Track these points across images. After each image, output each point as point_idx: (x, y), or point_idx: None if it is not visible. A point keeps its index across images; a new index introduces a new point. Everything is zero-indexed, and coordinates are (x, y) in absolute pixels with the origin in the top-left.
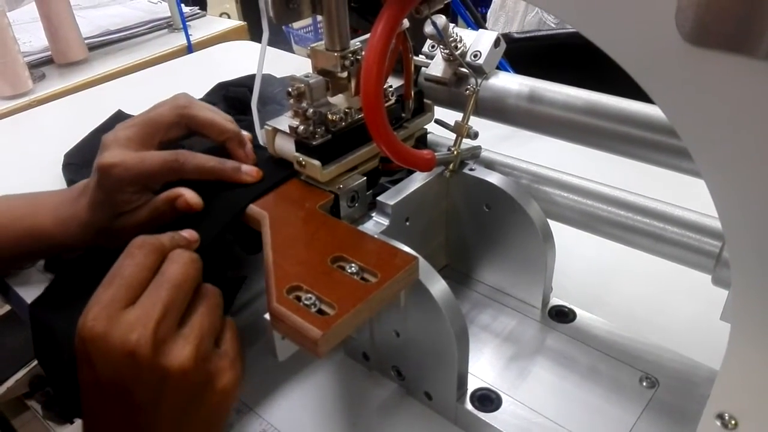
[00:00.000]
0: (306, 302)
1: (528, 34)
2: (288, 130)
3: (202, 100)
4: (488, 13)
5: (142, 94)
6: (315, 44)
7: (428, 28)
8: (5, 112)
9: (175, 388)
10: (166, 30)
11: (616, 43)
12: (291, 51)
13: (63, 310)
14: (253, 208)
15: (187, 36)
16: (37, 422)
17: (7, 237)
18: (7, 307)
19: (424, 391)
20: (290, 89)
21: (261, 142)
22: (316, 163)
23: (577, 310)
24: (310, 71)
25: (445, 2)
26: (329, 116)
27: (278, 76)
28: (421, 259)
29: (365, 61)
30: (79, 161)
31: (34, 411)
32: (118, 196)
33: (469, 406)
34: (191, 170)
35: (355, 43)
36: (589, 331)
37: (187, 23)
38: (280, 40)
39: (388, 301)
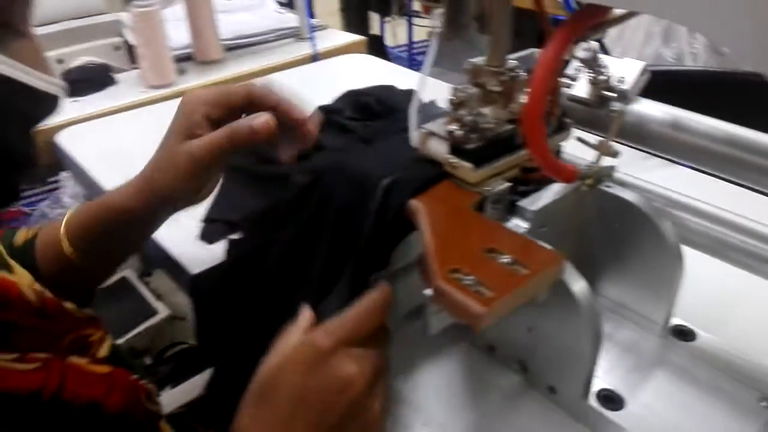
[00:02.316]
0: (466, 282)
1: (653, 68)
2: (443, 134)
3: (331, 105)
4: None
5: None
6: (474, 59)
7: (580, 53)
8: (151, 99)
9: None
10: (292, 39)
11: None
12: None
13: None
14: (410, 201)
15: (314, 46)
16: None
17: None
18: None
19: (549, 385)
20: (452, 97)
21: (414, 144)
22: (468, 165)
23: (698, 331)
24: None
25: (609, 28)
26: (482, 125)
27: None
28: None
29: (534, 76)
30: None
31: None
32: (193, 116)
33: (594, 402)
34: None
35: (512, 61)
36: (709, 351)
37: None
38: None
39: (537, 293)
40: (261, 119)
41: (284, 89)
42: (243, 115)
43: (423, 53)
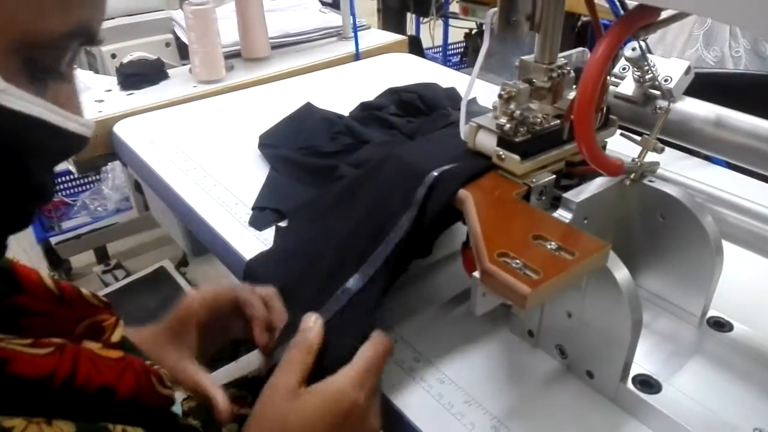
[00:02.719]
0: (514, 266)
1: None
2: (493, 128)
3: (374, 101)
4: None
5: (316, 92)
6: (525, 57)
7: (628, 52)
8: (202, 93)
9: None
10: (335, 38)
11: None
12: None
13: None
14: (459, 191)
15: (357, 45)
16: None
17: None
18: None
19: (587, 369)
20: (502, 92)
21: (463, 137)
22: (516, 157)
23: (735, 323)
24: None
25: (659, 29)
26: (530, 119)
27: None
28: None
29: (585, 72)
30: (274, 142)
31: None
32: (186, 319)
33: (631, 386)
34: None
35: (560, 58)
36: (745, 342)
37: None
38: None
39: (581, 278)
40: (223, 408)
41: (269, 295)
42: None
43: (457, 54)
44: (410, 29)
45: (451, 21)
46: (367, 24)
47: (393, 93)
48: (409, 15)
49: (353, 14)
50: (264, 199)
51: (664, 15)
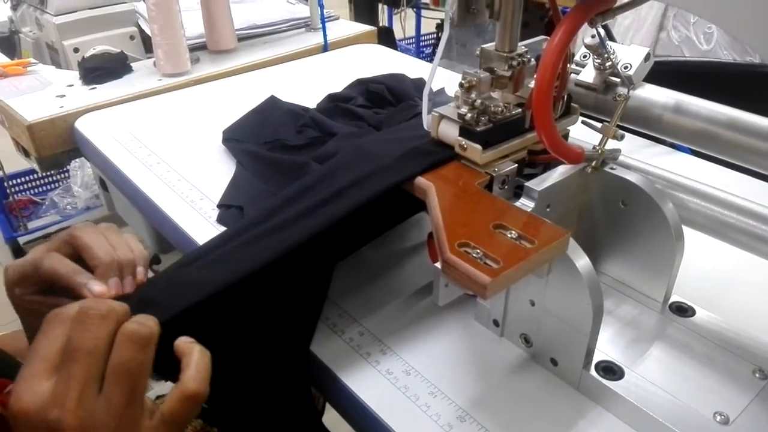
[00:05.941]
0: (474, 255)
1: (663, 59)
2: (455, 117)
3: (342, 92)
4: None
5: (284, 84)
6: (485, 45)
7: (588, 39)
8: (167, 87)
9: None
10: (303, 29)
11: None
12: None
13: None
14: (421, 180)
15: (325, 36)
16: None
17: None
18: None
19: (551, 357)
20: (463, 81)
21: (426, 127)
22: (477, 146)
23: (697, 308)
24: None
25: (616, 15)
26: (491, 108)
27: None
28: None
29: (543, 60)
30: (238, 137)
31: None
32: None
33: (594, 373)
34: (45, 272)
35: (521, 47)
36: (707, 326)
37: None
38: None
39: (541, 266)
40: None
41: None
42: None
43: (430, 46)
44: (383, 20)
45: (424, 12)
46: (336, 15)
47: (361, 84)
48: (381, 6)
49: (321, 5)
50: (229, 197)
51: (621, 1)
